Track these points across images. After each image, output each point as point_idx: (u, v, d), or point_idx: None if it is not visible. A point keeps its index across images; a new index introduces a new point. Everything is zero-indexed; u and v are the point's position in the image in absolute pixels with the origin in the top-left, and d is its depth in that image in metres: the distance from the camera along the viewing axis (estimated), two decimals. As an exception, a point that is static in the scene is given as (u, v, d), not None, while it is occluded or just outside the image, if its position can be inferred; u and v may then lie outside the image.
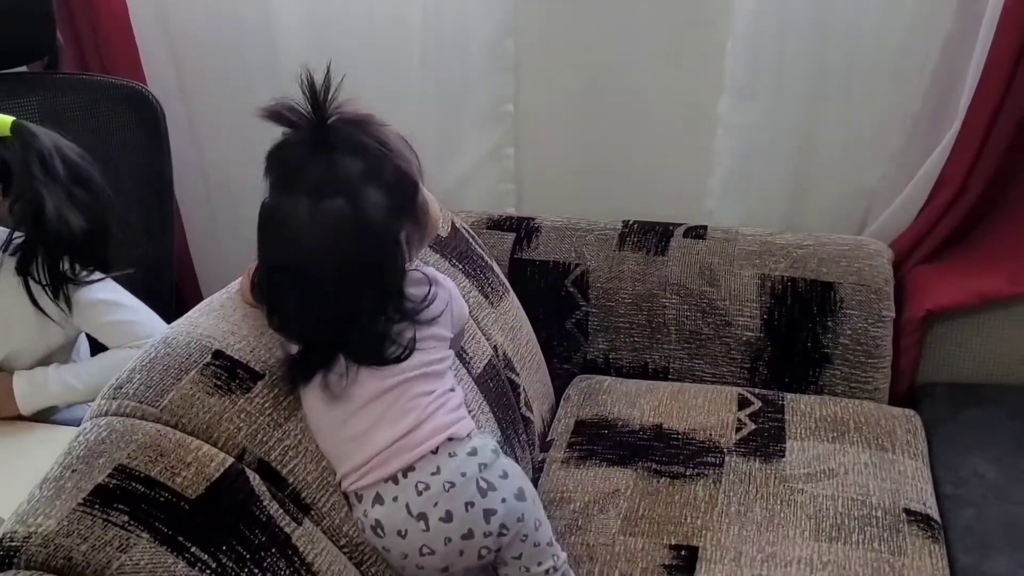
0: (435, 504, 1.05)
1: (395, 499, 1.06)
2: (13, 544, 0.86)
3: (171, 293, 1.69)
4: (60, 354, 1.41)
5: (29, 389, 1.34)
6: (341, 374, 1.05)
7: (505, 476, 1.10)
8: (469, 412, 1.33)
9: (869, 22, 1.62)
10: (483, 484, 1.07)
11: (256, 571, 0.94)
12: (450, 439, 1.08)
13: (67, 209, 1.27)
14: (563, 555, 1.15)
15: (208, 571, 0.91)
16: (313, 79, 0.98)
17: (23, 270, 1.30)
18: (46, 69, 1.80)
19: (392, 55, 1.79)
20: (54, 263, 1.30)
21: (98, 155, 1.65)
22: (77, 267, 1.34)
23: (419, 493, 1.05)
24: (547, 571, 1.13)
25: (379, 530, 1.07)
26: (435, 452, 1.07)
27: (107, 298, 1.37)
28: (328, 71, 0.99)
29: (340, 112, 1.01)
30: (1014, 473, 1.46)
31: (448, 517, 1.05)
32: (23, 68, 1.77)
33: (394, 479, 1.06)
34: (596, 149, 1.84)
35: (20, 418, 1.35)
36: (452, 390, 1.13)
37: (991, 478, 1.46)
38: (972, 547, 1.35)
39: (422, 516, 1.05)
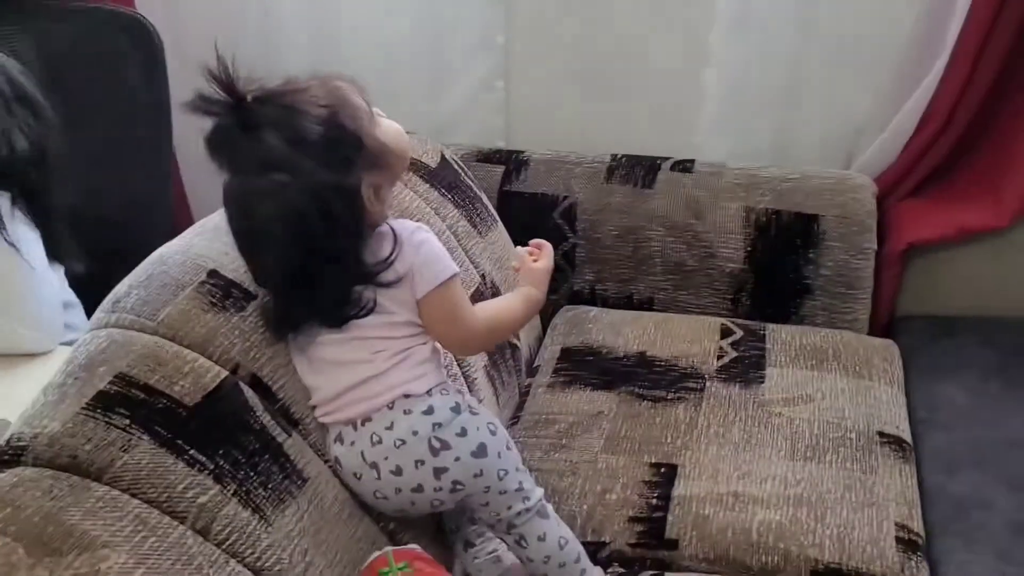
0: (386, 458, 1.08)
1: (352, 443, 1.09)
2: (20, 443, 0.91)
3: (168, 223, 1.72)
4: None
5: None
6: (305, 331, 1.09)
7: (463, 434, 1.09)
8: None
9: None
10: (435, 443, 1.08)
11: (251, 474, 0.99)
12: (406, 395, 1.08)
13: (10, 129, 1.27)
14: (536, 493, 1.15)
15: (206, 472, 0.95)
16: (217, 66, 0.99)
17: None
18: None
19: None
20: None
21: (93, 85, 1.68)
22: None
23: (372, 444, 1.08)
24: (518, 513, 1.13)
25: (338, 466, 1.11)
26: (391, 407, 1.08)
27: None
28: (218, 54, 0.99)
29: (254, 91, 1.02)
30: (983, 400, 1.51)
31: (398, 471, 1.08)
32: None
33: (353, 424, 1.09)
34: (587, 82, 1.85)
35: None
36: (424, 343, 1.12)
37: (962, 404, 1.51)
38: (941, 468, 1.41)
39: (374, 466, 1.08)
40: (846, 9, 1.67)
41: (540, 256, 1.23)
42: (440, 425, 1.08)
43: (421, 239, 1.10)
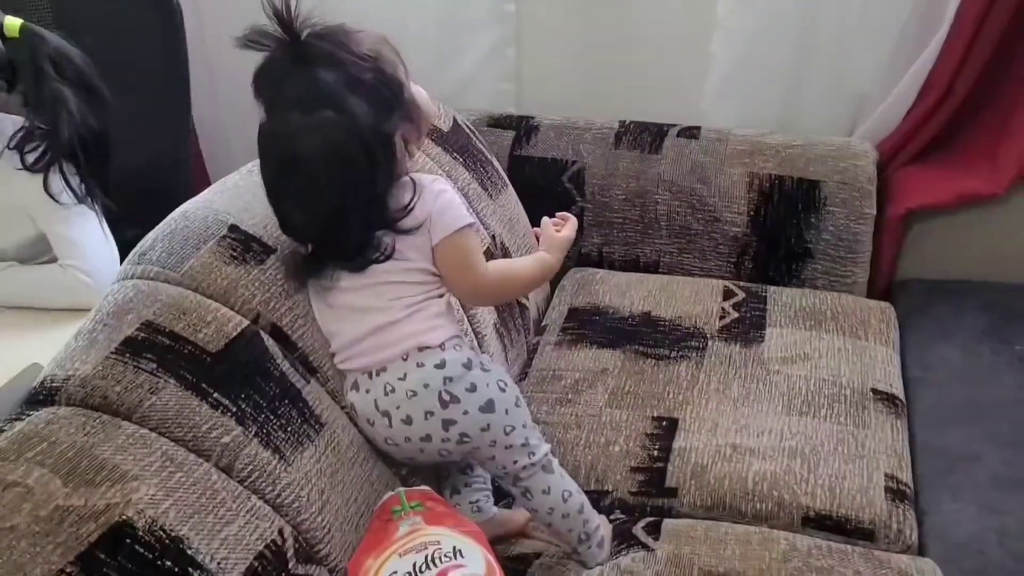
0: (397, 407, 1.12)
1: (367, 391, 1.13)
2: (54, 385, 0.97)
3: (186, 189, 1.77)
4: (31, 249, 1.44)
5: None
6: (328, 276, 1.14)
7: (473, 389, 1.12)
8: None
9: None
10: (445, 396, 1.11)
11: (272, 417, 1.05)
12: (420, 348, 1.12)
13: (83, 109, 1.34)
14: (542, 449, 1.18)
15: (229, 414, 1.01)
16: (276, 3, 1.03)
17: (44, 163, 1.35)
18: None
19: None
20: (81, 160, 1.36)
21: (113, 51, 1.72)
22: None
23: (386, 393, 1.12)
24: (523, 467, 1.16)
25: (353, 412, 1.17)
26: (405, 358, 1.11)
27: (74, 218, 1.39)
28: None
29: (311, 28, 1.06)
30: (976, 359, 1.56)
31: (408, 420, 1.12)
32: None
33: (368, 373, 1.13)
34: (596, 50, 1.89)
35: None
36: (440, 296, 1.16)
37: (955, 363, 1.56)
38: (932, 423, 1.46)
39: (387, 414, 1.13)
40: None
41: (564, 227, 1.27)
42: (451, 379, 1.11)
43: (440, 188, 1.14)
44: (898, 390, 1.50)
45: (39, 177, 1.36)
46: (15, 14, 1.38)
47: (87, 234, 1.41)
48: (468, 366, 1.13)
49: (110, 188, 1.45)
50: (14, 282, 1.39)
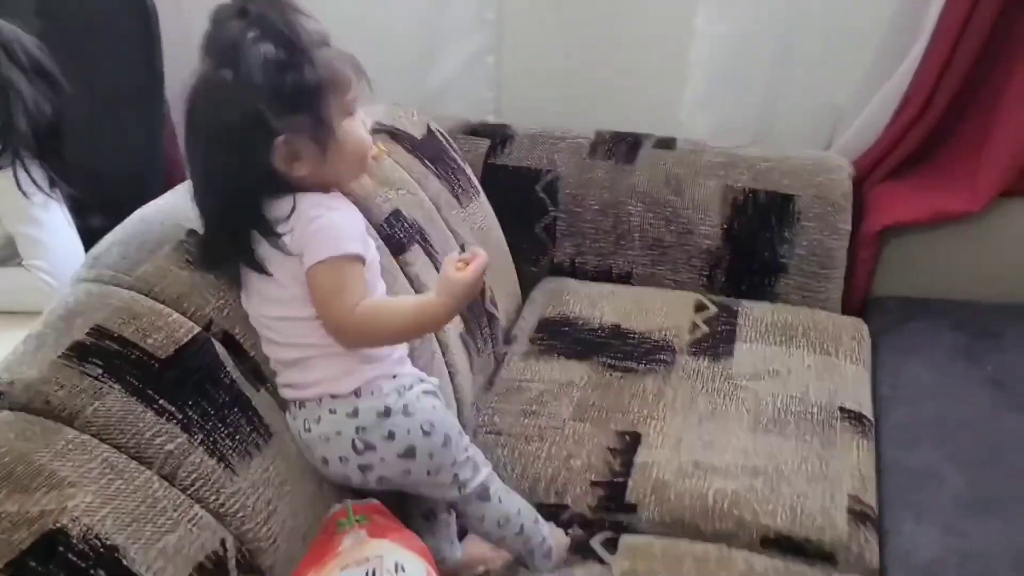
0: (315, 447, 1.10)
1: (294, 419, 1.12)
2: (-1, 389, 0.96)
3: (159, 186, 1.76)
4: (5, 251, 1.44)
5: None
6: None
7: (391, 437, 1.08)
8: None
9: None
10: (359, 444, 1.08)
11: (220, 425, 1.04)
12: (332, 395, 1.08)
13: (37, 98, 1.33)
14: (477, 479, 1.15)
15: (174, 421, 1.00)
16: None
17: (5, 156, 1.35)
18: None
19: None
20: (39, 149, 1.36)
21: (89, 48, 1.72)
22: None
23: (305, 429, 1.10)
24: (454, 499, 1.16)
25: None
26: (319, 402, 1.09)
27: (38, 215, 1.39)
28: None
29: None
30: (948, 378, 1.55)
31: (325, 462, 1.11)
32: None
33: (293, 402, 1.12)
34: (576, 58, 1.89)
35: None
36: None
37: (925, 382, 1.55)
38: (900, 442, 1.44)
39: (307, 447, 1.12)
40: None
41: (467, 267, 1.07)
42: (364, 428, 1.08)
43: (316, 215, 1.05)
44: (866, 408, 1.49)
45: (6, 175, 1.36)
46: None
47: (52, 233, 1.40)
48: (385, 414, 1.09)
49: (70, 174, 1.44)
50: None
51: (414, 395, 1.12)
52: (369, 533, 1.01)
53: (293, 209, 1.05)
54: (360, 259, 1.07)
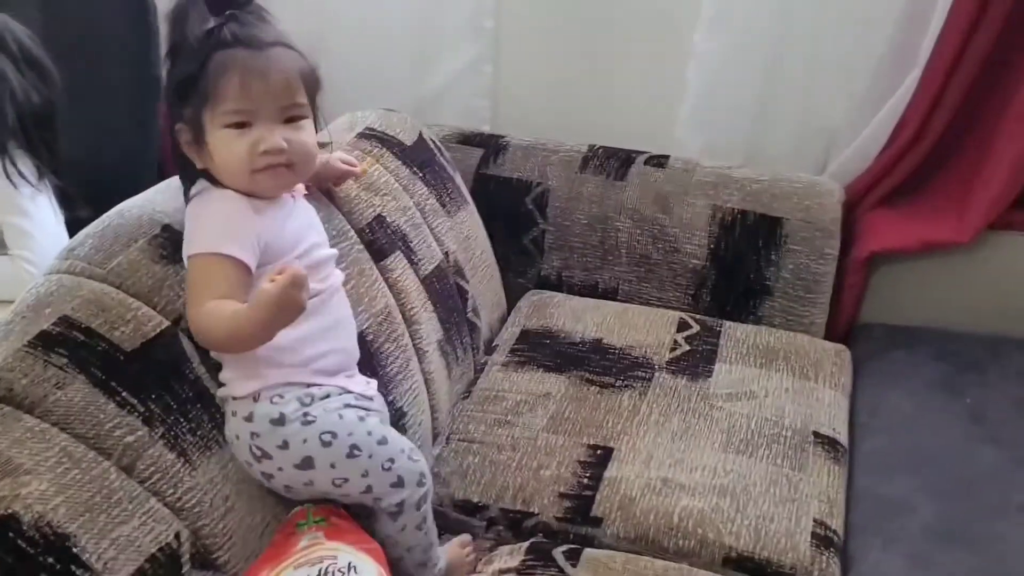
0: (231, 447, 1.10)
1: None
2: (-37, 375, 0.97)
3: (152, 181, 1.77)
4: None
5: None
6: None
7: (284, 447, 1.06)
8: (408, 313, 1.42)
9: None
10: (256, 451, 1.06)
11: (181, 420, 1.05)
12: (233, 397, 1.08)
13: (26, 87, 1.35)
14: (393, 499, 1.11)
15: (136, 414, 1.01)
16: None
17: None
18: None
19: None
20: (26, 139, 1.38)
21: (88, 42, 1.75)
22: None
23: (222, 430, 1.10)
24: (370, 507, 1.12)
25: None
26: (224, 402, 1.09)
27: (25, 206, 1.41)
28: None
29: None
30: (927, 408, 1.54)
31: (238, 463, 1.10)
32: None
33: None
34: (573, 71, 1.90)
35: None
36: None
37: (904, 411, 1.54)
38: (873, 470, 1.44)
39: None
40: (825, 15, 1.70)
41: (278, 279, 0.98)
42: (258, 435, 1.06)
43: (200, 210, 1.09)
44: (841, 435, 1.49)
45: None
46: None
47: (38, 224, 1.42)
48: (280, 422, 1.06)
49: (60, 165, 1.46)
50: None
51: (323, 406, 1.08)
52: (326, 535, 1.02)
53: (194, 196, 1.10)
54: (231, 260, 1.03)
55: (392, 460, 1.11)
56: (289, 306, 0.96)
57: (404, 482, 1.11)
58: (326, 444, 1.07)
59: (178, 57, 1.06)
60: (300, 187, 1.21)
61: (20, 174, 1.38)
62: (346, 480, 1.09)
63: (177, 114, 1.08)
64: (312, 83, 1.11)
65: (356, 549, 1.01)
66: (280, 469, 1.07)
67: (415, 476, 1.13)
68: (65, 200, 1.47)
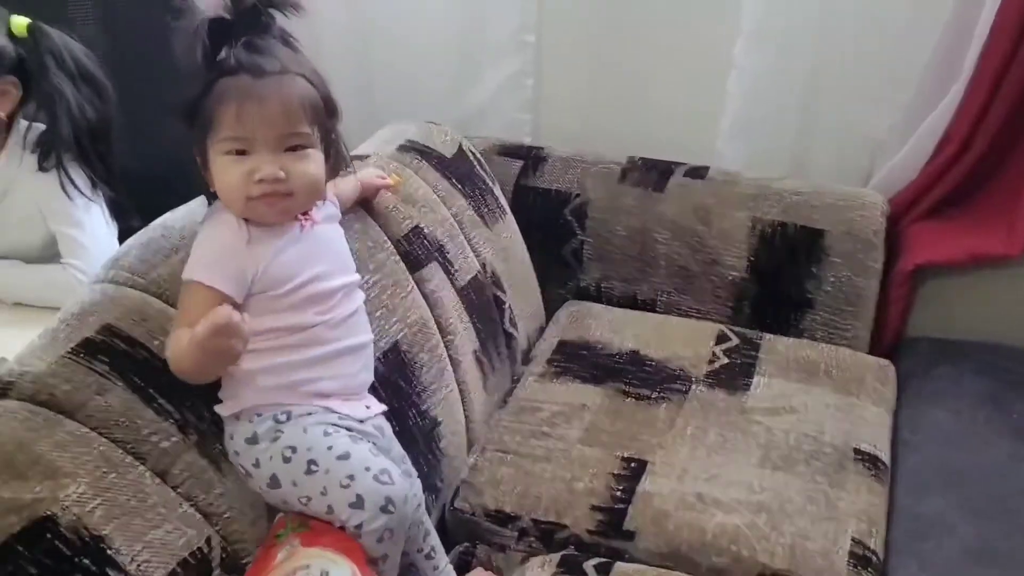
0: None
1: None
2: (9, 380, 1.00)
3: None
4: (51, 250, 1.49)
5: None
6: None
7: (256, 465, 1.06)
8: (444, 323, 1.44)
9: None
10: (240, 470, 1.08)
11: (214, 428, 1.07)
12: (223, 415, 1.08)
13: (81, 103, 1.40)
14: (354, 519, 1.03)
15: (171, 420, 1.04)
16: None
17: (51, 159, 1.42)
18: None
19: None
20: (81, 152, 1.43)
21: (145, 59, 1.79)
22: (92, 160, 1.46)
23: None
24: (345, 530, 1.04)
25: None
26: (223, 418, 1.09)
27: (78, 215, 1.44)
28: None
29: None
30: (970, 425, 1.51)
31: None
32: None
33: None
34: (614, 84, 1.90)
35: None
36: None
37: (947, 428, 1.51)
38: (913, 488, 1.41)
39: None
40: (868, 25, 1.68)
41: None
42: (238, 454, 1.07)
43: (203, 229, 1.10)
44: (883, 452, 1.46)
45: (52, 177, 1.43)
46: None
47: (90, 235, 1.46)
48: (253, 440, 1.06)
49: (115, 179, 1.50)
50: (17, 279, 1.45)
51: (296, 424, 1.06)
52: (302, 542, 1.01)
53: (205, 217, 1.12)
54: (213, 291, 1.03)
55: (352, 477, 1.03)
56: (215, 352, 0.97)
57: (363, 503, 1.02)
58: (286, 460, 1.04)
59: (188, 80, 1.07)
60: (322, 212, 1.17)
61: (75, 185, 1.42)
62: (309, 499, 1.04)
63: (187, 138, 1.09)
64: (320, 112, 1.09)
65: (333, 552, 1.00)
66: (260, 488, 1.07)
67: (378, 499, 1.02)
68: (118, 211, 1.51)
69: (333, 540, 1.01)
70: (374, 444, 1.11)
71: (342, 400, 1.12)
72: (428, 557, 1.21)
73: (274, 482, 1.05)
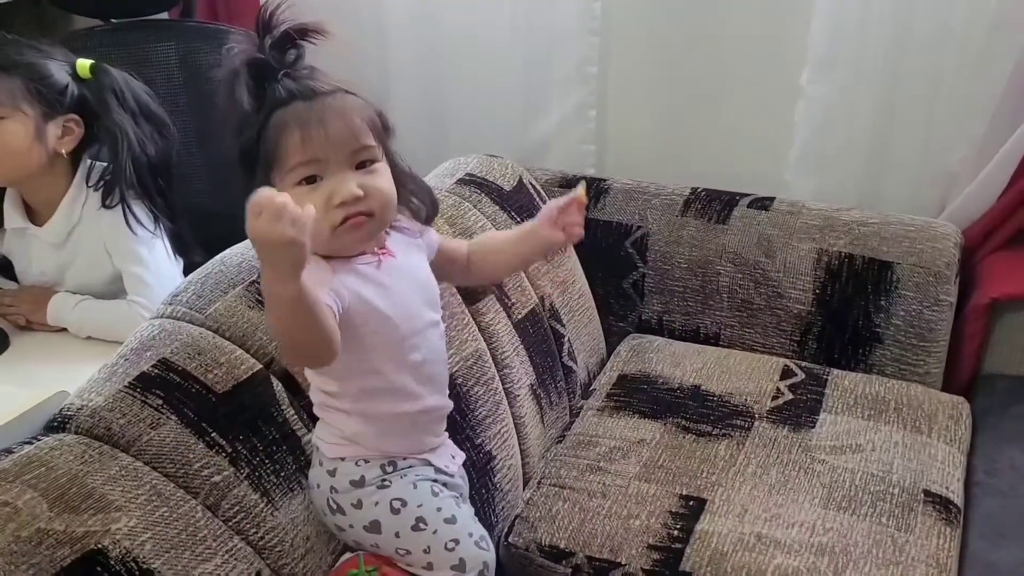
0: (310, 492, 1.13)
1: None
2: (69, 413, 1.04)
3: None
4: (116, 286, 1.53)
5: (57, 307, 1.49)
6: None
7: (359, 506, 1.07)
8: (500, 356, 1.44)
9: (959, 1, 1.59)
10: (332, 504, 1.09)
11: (266, 461, 1.09)
12: (320, 448, 1.10)
13: (143, 140, 1.45)
14: None
15: (223, 454, 1.06)
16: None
17: (114, 196, 1.46)
18: (181, 16, 2.01)
19: (483, 15, 1.88)
20: (142, 188, 1.47)
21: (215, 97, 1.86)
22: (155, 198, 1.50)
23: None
24: None
25: None
26: (315, 448, 1.12)
27: (141, 252, 1.48)
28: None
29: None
30: (1050, 468, 1.44)
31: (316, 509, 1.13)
32: (164, 15, 1.98)
33: None
34: (678, 115, 1.88)
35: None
36: (339, 412, 1.08)
37: (1025, 471, 1.44)
38: (988, 534, 1.35)
39: None
40: (942, 51, 1.63)
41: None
42: (336, 491, 1.08)
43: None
44: (955, 494, 1.40)
45: (116, 215, 1.47)
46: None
47: (153, 271, 1.50)
48: (360, 483, 1.07)
49: (176, 213, 1.55)
50: (86, 315, 1.50)
51: (402, 475, 1.09)
52: None
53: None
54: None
55: (456, 541, 1.07)
56: (265, 240, 0.86)
57: (465, 566, 1.06)
58: (395, 511, 1.06)
59: (238, 128, 1.03)
60: (399, 241, 1.12)
61: (138, 221, 1.47)
62: (408, 552, 1.07)
63: (249, 189, 0.94)
64: (378, 127, 1.05)
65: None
66: (351, 526, 1.08)
67: (478, 564, 1.07)
68: (181, 246, 1.55)
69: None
70: (460, 495, 1.12)
71: (433, 452, 1.13)
72: None
73: (374, 527, 1.06)
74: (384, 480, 1.07)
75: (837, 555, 1.28)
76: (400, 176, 1.10)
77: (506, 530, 1.39)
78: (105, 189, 1.46)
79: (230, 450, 1.07)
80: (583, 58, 1.87)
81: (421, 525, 1.06)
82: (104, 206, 1.46)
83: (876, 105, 1.71)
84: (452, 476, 1.14)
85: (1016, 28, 1.56)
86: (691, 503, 1.38)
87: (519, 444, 1.46)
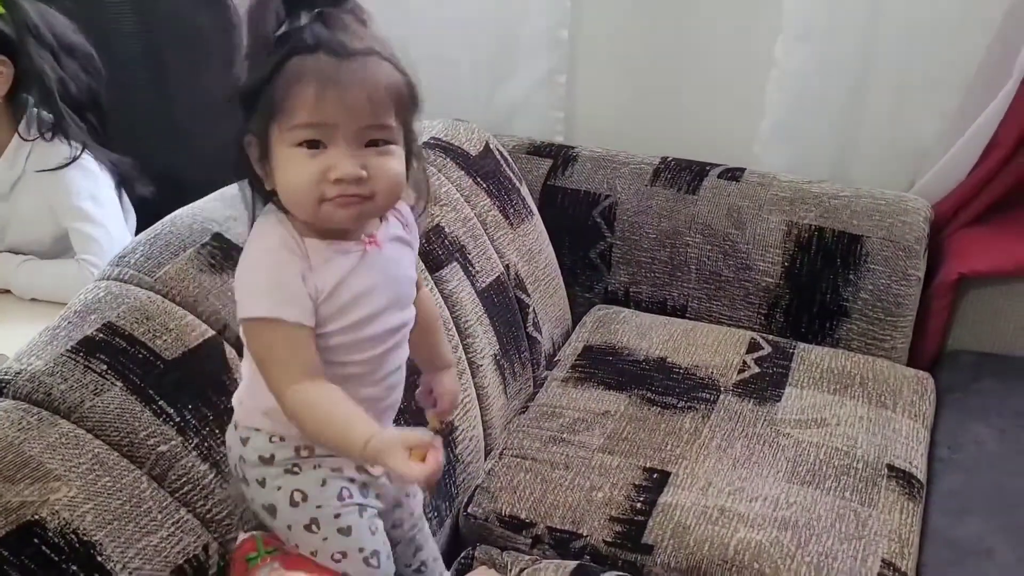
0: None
1: None
2: (6, 378, 0.99)
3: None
4: (62, 244, 1.49)
5: (4, 270, 1.45)
6: None
7: (263, 484, 0.97)
8: (463, 325, 1.40)
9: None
10: (238, 472, 0.99)
11: (216, 431, 1.05)
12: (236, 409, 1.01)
13: (64, 78, 1.39)
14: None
15: (171, 423, 1.01)
16: None
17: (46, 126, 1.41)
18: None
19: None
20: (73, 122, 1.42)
21: (178, 42, 1.79)
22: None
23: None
24: None
25: None
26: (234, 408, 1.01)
27: (87, 208, 1.43)
28: None
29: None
30: (1013, 445, 1.43)
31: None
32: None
33: None
34: (650, 83, 1.84)
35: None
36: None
37: (989, 447, 1.44)
38: (950, 510, 1.34)
39: None
40: (916, 24, 1.60)
41: (420, 464, 0.85)
42: (244, 460, 0.98)
43: (254, 237, 0.93)
44: (918, 469, 1.40)
45: (61, 175, 1.42)
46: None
47: (103, 229, 1.45)
48: (268, 461, 0.96)
49: (110, 142, 1.49)
50: (33, 275, 1.44)
51: (316, 466, 0.97)
52: (284, 565, 0.96)
53: (257, 220, 0.94)
54: (296, 326, 0.89)
55: (344, 554, 0.96)
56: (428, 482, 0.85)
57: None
58: (293, 504, 0.96)
59: (252, 60, 0.89)
60: (388, 231, 0.99)
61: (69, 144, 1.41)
62: (297, 546, 0.98)
63: (247, 125, 0.90)
64: (405, 104, 0.91)
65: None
66: (253, 500, 0.99)
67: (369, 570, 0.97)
68: (122, 180, 1.50)
69: (315, 568, 0.96)
70: (378, 496, 1.02)
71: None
72: (418, 572, 1.15)
73: (270, 511, 0.97)
74: (294, 465, 0.96)
75: (800, 529, 1.27)
76: (409, 158, 0.96)
77: (466, 501, 1.37)
78: (42, 125, 1.40)
79: (178, 419, 1.02)
80: (556, 22, 1.82)
81: (314, 528, 0.96)
82: (41, 136, 1.40)
83: (849, 78, 1.68)
84: (376, 477, 1.00)
85: (990, 3, 1.54)
86: (655, 476, 1.36)
87: (481, 415, 1.43)
